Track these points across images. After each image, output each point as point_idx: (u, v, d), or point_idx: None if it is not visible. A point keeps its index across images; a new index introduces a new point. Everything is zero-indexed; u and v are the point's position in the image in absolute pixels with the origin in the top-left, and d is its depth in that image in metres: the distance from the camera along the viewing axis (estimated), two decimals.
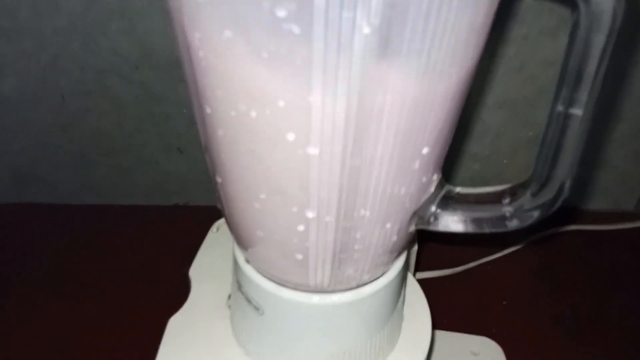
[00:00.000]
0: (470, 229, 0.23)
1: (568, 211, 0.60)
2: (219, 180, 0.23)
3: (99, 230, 0.55)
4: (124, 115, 0.52)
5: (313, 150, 0.19)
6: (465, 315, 0.48)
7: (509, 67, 0.50)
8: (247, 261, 0.27)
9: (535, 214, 0.21)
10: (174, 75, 0.49)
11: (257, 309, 0.27)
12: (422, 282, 0.35)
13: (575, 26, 0.17)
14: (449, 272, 0.51)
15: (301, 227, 0.22)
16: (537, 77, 0.50)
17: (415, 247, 0.39)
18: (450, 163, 0.56)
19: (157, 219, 0.57)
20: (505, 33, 0.48)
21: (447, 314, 0.47)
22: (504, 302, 0.49)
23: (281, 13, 0.15)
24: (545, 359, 0.44)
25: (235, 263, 0.28)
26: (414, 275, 0.40)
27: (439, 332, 0.44)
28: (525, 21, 0.47)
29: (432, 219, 0.24)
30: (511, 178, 0.25)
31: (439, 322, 0.44)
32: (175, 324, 0.31)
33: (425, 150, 0.21)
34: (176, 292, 0.34)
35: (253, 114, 0.18)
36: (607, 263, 0.54)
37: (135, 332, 0.44)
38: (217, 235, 0.38)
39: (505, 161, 0.56)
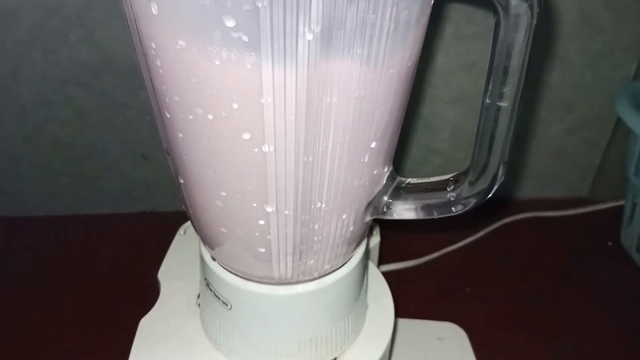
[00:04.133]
0: (421, 215, 0.25)
1: (525, 200, 0.62)
2: (181, 181, 0.24)
3: (67, 240, 0.55)
4: (86, 123, 0.52)
5: (268, 148, 0.20)
6: (431, 303, 0.49)
7: (461, 64, 0.52)
8: (214, 258, 0.28)
9: (473, 200, 0.23)
10: (135, 82, 0.49)
11: (225, 304, 0.28)
12: (388, 274, 0.36)
13: (496, 28, 0.19)
14: (414, 263, 0.53)
15: (262, 222, 0.23)
16: None
17: (378, 240, 0.40)
18: (410, 157, 0.59)
19: (124, 225, 0.57)
20: (457, 32, 0.50)
21: (413, 303, 0.48)
22: (467, 289, 0.51)
23: (230, 23, 0.17)
24: (507, 340, 0.46)
25: (202, 261, 0.29)
26: (378, 267, 0.42)
27: (405, 320, 0.45)
28: (475, 21, 0.49)
29: (385, 209, 0.26)
30: None
31: (405, 311, 0.46)
32: (146, 324, 0.32)
33: (373, 144, 0.22)
34: (147, 295, 0.35)
35: (210, 116, 0.20)
36: (563, 247, 0.57)
37: (108, 336, 0.44)
38: (184, 238, 0.39)
39: (463, 154, 0.59)
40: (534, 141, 0.59)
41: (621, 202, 0.57)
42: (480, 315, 0.48)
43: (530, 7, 0.18)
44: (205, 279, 0.29)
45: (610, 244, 0.57)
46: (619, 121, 0.57)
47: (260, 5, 0.16)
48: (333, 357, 0.31)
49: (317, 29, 0.17)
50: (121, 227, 0.57)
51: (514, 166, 0.61)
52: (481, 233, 0.57)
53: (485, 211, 0.59)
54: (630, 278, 0.53)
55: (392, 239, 0.48)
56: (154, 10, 0.17)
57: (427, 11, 0.20)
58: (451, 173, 0.25)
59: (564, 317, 0.49)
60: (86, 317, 0.46)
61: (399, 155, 0.58)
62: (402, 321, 0.44)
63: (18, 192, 0.56)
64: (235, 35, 0.17)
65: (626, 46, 0.53)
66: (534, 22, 0.18)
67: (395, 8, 0.18)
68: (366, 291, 0.33)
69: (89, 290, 0.49)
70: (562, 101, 0.56)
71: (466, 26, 0.50)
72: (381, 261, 0.45)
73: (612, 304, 0.50)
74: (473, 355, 0.43)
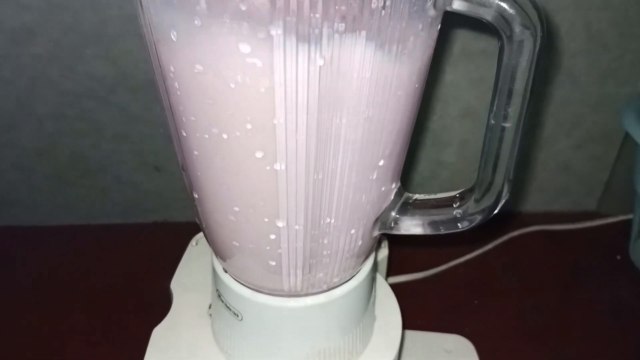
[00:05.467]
0: (428, 230, 0.26)
1: (533, 213, 0.63)
2: (196, 196, 0.25)
3: (80, 250, 0.56)
4: (100, 136, 0.53)
5: (279, 166, 0.21)
6: (439, 315, 0.50)
7: (470, 80, 0.53)
8: (225, 270, 0.29)
9: (479, 217, 0.24)
10: (149, 96, 0.50)
11: (236, 315, 0.29)
12: (396, 286, 0.37)
13: (501, 52, 0.20)
14: (422, 276, 0.53)
15: (273, 236, 0.24)
16: None
17: (386, 252, 0.41)
18: (419, 171, 0.59)
19: (137, 236, 0.58)
20: (465, 48, 0.51)
21: (421, 315, 0.49)
22: (475, 302, 0.52)
23: (245, 50, 0.18)
24: (513, 352, 0.46)
25: (214, 273, 0.30)
26: (386, 279, 0.43)
27: (413, 332, 0.46)
28: (483, 37, 0.50)
29: (393, 224, 0.26)
30: None
31: (413, 323, 0.47)
32: (159, 334, 0.33)
33: (381, 162, 0.23)
34: (159, 305, 0.35)
35: (224, 136, 0.21)
36: (572, 260, 0.57)
37: (121, 345, 0.45)
38: (196, 249, 0.40)
39: (471, 168, 0.59)
40: (542, 156, 0.59)
41: (629, 216, 0.57)
42: (488, 328, 0.48)
43: (533, 34, 0.19)
44: (217, 290, 0.30)
45: (618, 257, 0.57)
46: (627, 137, 0.58)
47: (274, 33, 0.17)
48: None
49: (328, 55, 0.18)
50: (133, 237, 0.58)
51: (522, 180, 0.61)
52: (489, 246, 0.57)
53: (493, 224, 0.59)
54: (637, 292, 0.53)
55: (401, 251, 0.48)
56: (174, 37, 0.18)
57: (434, 37, 0.21)
58: (460, 186, 0.26)
59: (571, 331, 0.49)
60: (98, 327, 0.47)
61: (408, 169, 0.59)
62: (409, 333, 0.45)
63: (32, 203, 0.57)
64: (250, 60, 0.18)
65: (632, 64, 0.54)
66: (537, 48, 0.19)
67: (402, 37, 0.19)
68: (374, 303, 0.34)
69: (100, 300, 0.50)
70: (570, 117, 0.57)
71: (474, 43, 0.50)
72: (389, 273, 0.45)
73: (619, 318, 0.50)
74: None
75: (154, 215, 0.60)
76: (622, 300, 0.52)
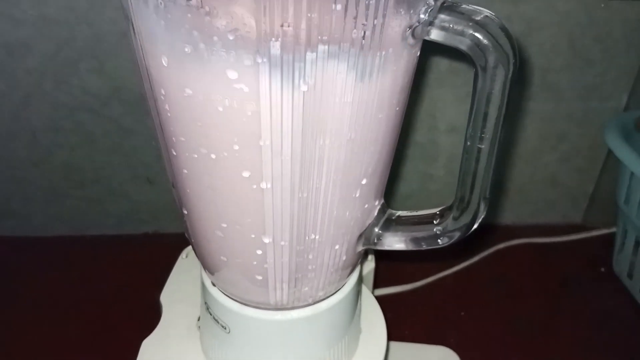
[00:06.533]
0: (410, 246, 0.27)
1: (520, 226, 0.64)
2: (185, 212, 0.26)
3: (72, 260, 0.56)
4: (94, 149, 0.54)
5: (265, 185, 0.22)
6: (425, 326, 0.51)
7: (456, 95, 0.54)
8: (214, 284, 0.30)
9: (457, 233, 0.25)
10: (142, 109, 0.51)
11: (224, 327, 0.30)
12: (383, 298, 0.38)
13: (475, 79, 0.21)
14: (409, 288, 0.54)
15: (259, 251, 0.25)
16: None
17: (373, 265, 0.42)
18: (408, 183, 0.60)
19: (128, 247, 0.58)
20: (451, 65, 0.52)
21: (407, 327, 0.50)
22: (462, 313, 0.53)
23: (233, 76, 0.19)
24: None
25: (203, 286, 0.31)
26: (373, 291, 0.43)
27: (400, 344, 0.47)
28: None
29: (376, 240, 0.27)
30: None
31: (400, 335, 0.47)
32: (148, 346, 0.33)
33: (364, 181, 0.24)
34: (149, 316, 0.36)
35: (212, 156, 0.21)
36: (557, 272, 0.58)
37: (111, 356, 0.45)
38: (186, 261, 0.41)
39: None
40: (528, 169, 0.61)
41: (613, 229, 0.58)
42: (475, 340, 0.49)
43: (505, 63, 0.20)
44: (206, 303, 0.31)
45: (602, 269, 0.58)
46: (610, 151, 0.59)
47: (260, 61, 0.18)
48: None
49: (311, 81, 0.19)
50: (125, 248, 0.58)
51: (509, 193, 0.63)
52: (476, 258, 0.58)
53: (480, 237, 0.61)
54: (621, 303, 0.54)
55: (388, 264, 0.49)
56: (164, 62, 0.19)
57: (414, 62, 0.22)
58: (448, 199, 0.26)
59: (557, 342, 0.50)
60: (88, 337, 0.48)
61: (398, 182, 0.60)
62: (395, 344, 0.45)
63: (26, 213, 0.58)
64: (237, 86, 0.19)
65: (616, 79, 0.55)
66: (510, 75, 0.20)
67: (382, 63, 0.20)
68: (359, 316, 0.35)
69: (91, 310, 0.50)
70: (555, 131, 0.58)
71: (461, 59, 0.52)
72: (377, 285, 0.46)
73: (604, 328, 0.51)
74: None
75: (146, 226, 0.60)
76: (607, 311, 0.53)
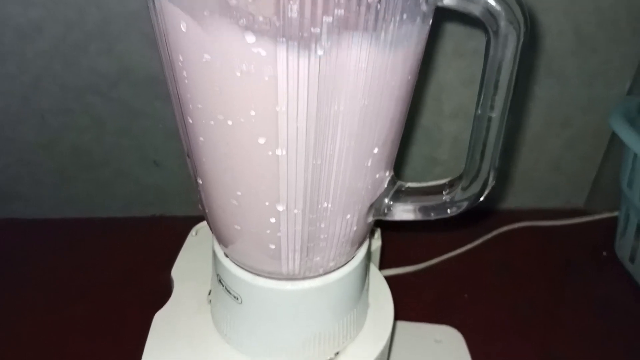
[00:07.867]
0: (419, 216, 0.27)
1: (523, 210, 0.64)
2: (200, 182, 0.27)
3: (81, 242, 0.57)
4: (102, 131, 0.54)
5: (280, 152, 0.22)
6: (429, 307, 0.51)
7: (462, 79, 0.55)
8: (226, 255, 0.30)
9: (465, 203, 0.25)
10: (150, 91, 0.52)
11: (236, 298, 0.30)
12: (388, 279, 0.38)
13: (487, 46, 0.21)
14: (413, 269, 0.55)
15: (273, 220, 0.25)
16: None
17: (379, 244, 0.42)
18: (413, 167, 0.61)
19: (136, 229, 0.59)
20: (458, 48, 0.52)
21: (412, 307, 0.50)
22: (465, 295, 0.53)
23: (250, 39, 0.19)
24: (502, 344, 0.48)
25: (215, 258, 0.31)
26: (380, 271, 0.44)
27: (405, 323, 0.47)
28: (475, 37, 0.52)
29: (386, 210, 0.28)
30: None
31: (405, 315, 0.48)
32: (161, 319, 0.34)
33: (376, 150, 0.24)
34: (158, 296, 0.37)
35: (229, 122, 0.22)
36: (559, 256, 0.59)
37: (119, 338, 0.46)
38: (196, 239, 0.41)
39: (463, 165, 0.61)
40: (532, 154, 0.61)
41: (616, 214, 0.59)
42: (478, 321, 0.50)
43: (517, 29, 0.20)
44: (218, 274, 0.32)
45: (604, 254, 0.59)
46: (613, 137, 0.59)
47: (277, 24, 0.18)
48: (335, 352, 0.33)
49: (327, 45, 0.19)
50: (133, 231, 0.59)
51: (514, 178, 0.63)
52: (479, 241, 0.59)
53: (483, 220, 0.62)
54: (623, 287, 0.55)
55: (393, 245, 0.50)
56: (183, 27, 0.20)
57: (426, 31, 0.22)
58: None
59: (558, 325, 0.50)
60: (97, 319, 0.48)
61: (402, 164, 0.60)
62: (401, 324, 0.46)
63: (35, 196, 0.58)
64: (254, 50, 0.19)
65: (619, 66, 0.55)
66: (521, 42, 0.21)
67: (396, 30, 0.20)
68: (367, 290, 0.35)
69: (100, 292, 0.51)
70: (559, 117, 0.59)
71: (467, 42, 0.52)
72: (382, 266, 0.47)
73: (605, 311, 0.52)
74: (469, 358, 0.45)
75: (153, 209, 0.61)
76: (609, 295, 0.54)
